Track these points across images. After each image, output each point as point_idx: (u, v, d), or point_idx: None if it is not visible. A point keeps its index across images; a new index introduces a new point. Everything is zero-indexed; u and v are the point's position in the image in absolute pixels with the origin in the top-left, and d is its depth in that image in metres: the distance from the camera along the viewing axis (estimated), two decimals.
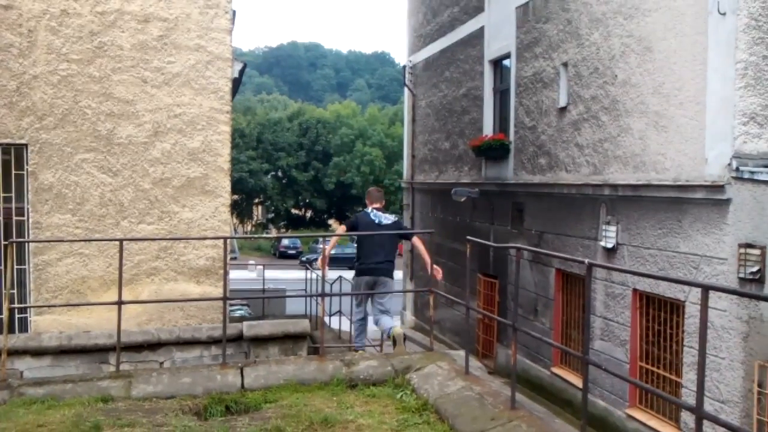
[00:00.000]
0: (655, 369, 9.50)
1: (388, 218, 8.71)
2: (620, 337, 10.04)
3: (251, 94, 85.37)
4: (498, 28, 14.32)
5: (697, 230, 8.62)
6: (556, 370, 11.76)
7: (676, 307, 9.06)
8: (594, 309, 10.57)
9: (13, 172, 8.11)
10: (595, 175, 10.73)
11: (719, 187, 8.20)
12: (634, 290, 9.76)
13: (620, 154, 10.12)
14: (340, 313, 13.57)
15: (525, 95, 13.10)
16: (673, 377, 9.11)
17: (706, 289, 3.26)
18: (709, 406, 8.12)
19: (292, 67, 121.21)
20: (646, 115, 9.57)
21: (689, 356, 8.65)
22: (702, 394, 3.24)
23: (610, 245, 10.23)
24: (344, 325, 13.40)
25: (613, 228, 10.22)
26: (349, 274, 21.45)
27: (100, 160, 8.26)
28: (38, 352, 7.14)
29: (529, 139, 12.95)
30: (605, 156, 10.50)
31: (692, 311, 8.59)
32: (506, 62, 14.30)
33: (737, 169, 8.00)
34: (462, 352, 6.19)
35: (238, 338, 7.79)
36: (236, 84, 10.10)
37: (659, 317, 9.42)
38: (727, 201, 8.12)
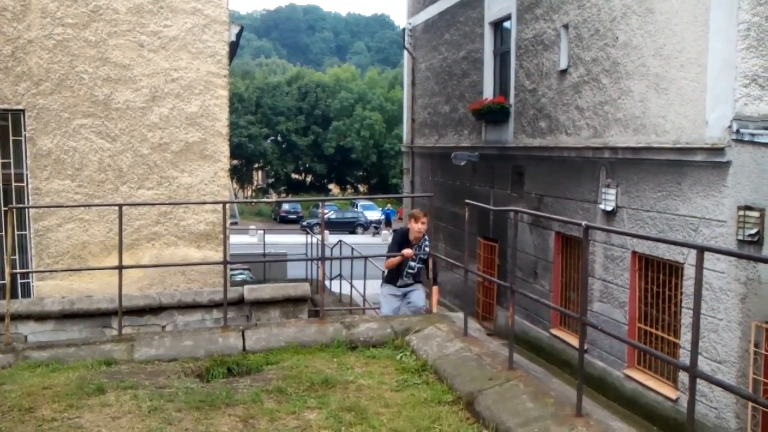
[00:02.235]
0: (653, 330, 9.58)
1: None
2: (619, 299, 10.11)
3: (249, 58, 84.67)
4: None
5: (697, 193, 8.62)
6: (555, 331, 11.87)
7: (675, 269, 9.11)
8: (593, 271, 10.63)
9: (11, 137, 8.10)
10: (596, 138, 10.69)
11: (719, 150, 8.18)
12: (633, 253, 9.81)
13: (620, 116, 10.08)
14: (340, 276, 13.66)
15: (525, 58, 12.98)
16: (671, 338, 9.20)
17: (701, 250, 3.28)
18: (706, 366, 8.22)
19: (291, 30, 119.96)
20: (646, 77, 9.50)
21: (687, 317, 8.72)
22: (696, 354, 3.28)
23: (609, 208, 10.24)
24: (344, 288, 13.51)
25: (612, 191, 10.22)
26: (349, 239, 21.43)
27: (98, 126, 8.23)
28: (41, 317, 7.20)
29: (529, 102, 12.87)
30: (605, 119, 10.45)
31: (691, 273, 8.64)
32: (507, 24, 14.14)
33: (738, 132, 7.97)
34: (461, 314, 6.24)
35: (240, 302, 7.85)
36: (233, 47, 10.01)
37: (658, 279, 9.47)
38: (727, 163, 8.11)
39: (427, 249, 7.81)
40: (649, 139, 9.44)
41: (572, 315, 5.14)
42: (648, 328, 9.69)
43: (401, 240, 7.85)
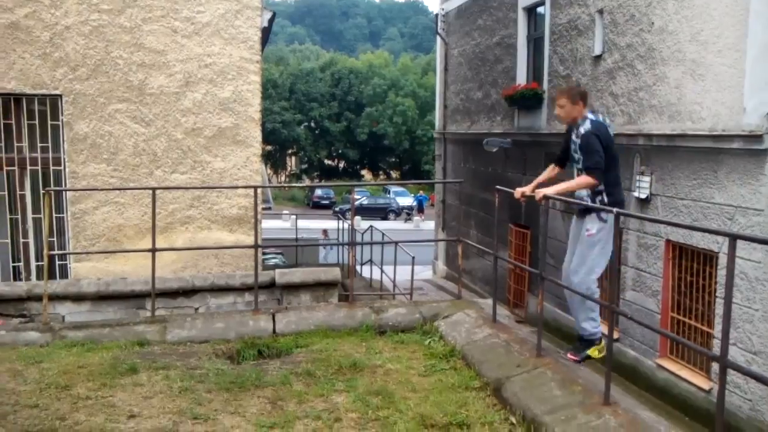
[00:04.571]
0: (686, 320, 9.46)
1: None
2: (652, 288, 9.99)
3: (283, 44, 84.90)
4: None
5: (733, 181, 8.46)
6: None
7: (709, 258, 8.97)
8: (626, 259, 10.51)
9: (49, 122, 8.26)
10: (630, 124, 10.54)
11: (757, 137, 8.01)
12: (667, 241, 9.67)
13: (656, 103, 9.91)
14: (371, 262, 13.71)
15: (559, 43, 12.82)
16: (705, 328, 9.08)
17: (734, 238, 3.22)
18: (740, 357, 8.10)
19: (324, 17, 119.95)
20: (682, 63, 9.33)
21: (721, 307, 8.59)
22: (727, 343, 3.24)
23: (643, 196, 10.11)
24: (375, 274, 13.56)
25: (647, 178, 10.08)
26: (381, 225, 21.47)
27: (133, 111, 8.35)
28: (78, 298, 7.36)
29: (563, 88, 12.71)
30: (640, 105, 10.29)
31: (725, 262, 8.49)
32: (540, 9, 13.97)
33: None
34: (490, 301, 6.23)
35: (271, 285, 7.93)
36: (266, 33, 10.05)
37: (692, 268, 9.34)
38: (765, 151, 7.95)
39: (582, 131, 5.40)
40: (685, 126, 9.28)
41: (603, 303, 5.10)
42: (681, 317, 9.57)
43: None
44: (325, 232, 23.74)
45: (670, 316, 9.74)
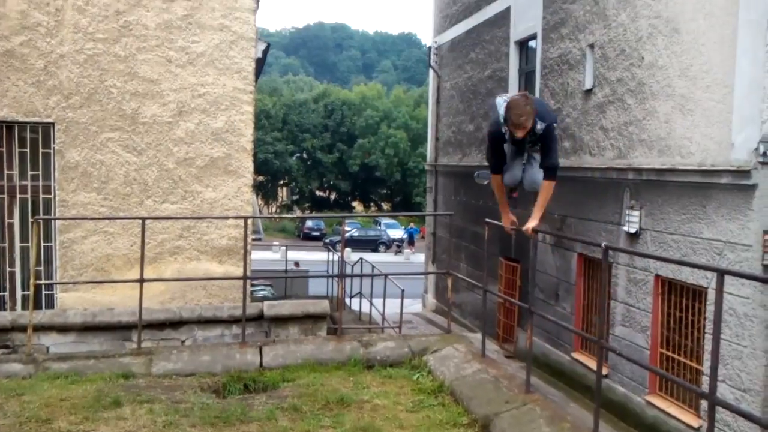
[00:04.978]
0: (676, 356, 9.43)
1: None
2: (641, 323, 9.97)
3: (277, 75, 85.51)
4: (524, 9, 14.15)
5: (722, 216, 8.50)
6: (576, 355, 11.72)
7: (698, 294, 8.97)
8: (615, 294, 10.50)
9: (41, 150, 8.25)
10: (620, 158, 10.61)
11: (745, 172, 8.07)
12: (657, 276, 9.68)
13: (645, 137, 10.00)
14: (360, 294, 13.64)
15: (550, 77, 12.96)
16: (694, 365, 9.04)
17: (721, 273, 3.23)
18: (729, 395, 8.06)
19: (319, 48, 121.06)
20: (672, 98, 9.43)
21: (710, 344, 8.56)
22: (715, 381, 3.22)
23: (633, 230, 10.14)
24: (364, 306, 13.49)
25: (636, 213, 10.11)
26: (371, 257, 21.41)
27: (125, 139, 8.35)
28: (63, 328, 7.28)
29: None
30: (630, 140, 10.38)
31: (714, 298, 8.50)
32: (532, 43, 14.14)
33: (764, 154, 7.86)
34: (479, 335, 6.20)
35: (259, 318, 7.87)
36: (260, 64, 10.12)
37: (681, 304, 9.33)
38: (753, 186, 8.00)
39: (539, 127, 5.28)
40: (674, 161, 9.35)
41: (592, 339, 5.07)
42: (670, 353, 9.53)
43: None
44: (296, 264, 23.83)
45: (659, 352, 9.70)
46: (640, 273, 10.02)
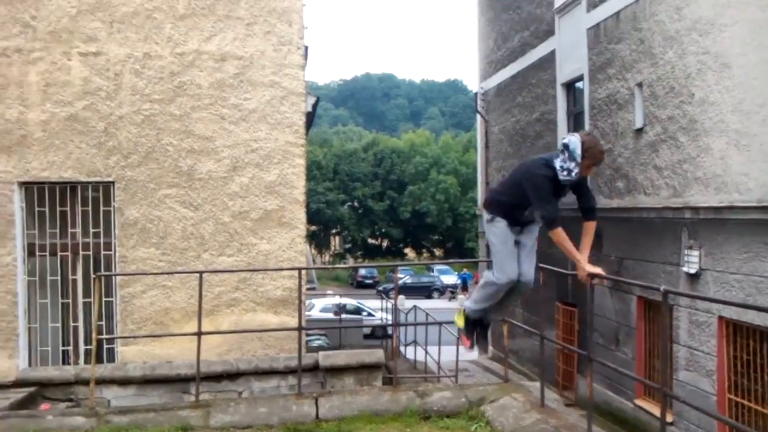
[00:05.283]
0: (745, 402, 9.03)
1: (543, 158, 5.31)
2: (706, 368, 9.61)
3: (327, 126, 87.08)
4: (569, 51, 14.17)
5: None
6: (639, 402, 11.33)
7: (766, 336, 8.63)
8: (678, 338, 10.17)
9: (102, 208, 8.54)
10: (675, 197, 10.40)
11: None
12: (720, 318, 9.35)
13: (701, 175, 9.79)
14: (415, 342, 13.53)
15: (599, 117, 12.87)
16: (766, 411, 8.64)
17: None
18: None
19: (367, 99, 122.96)
20: (726, 133, 9.25)
21: None
22: None
23: (693, 271, 9.86)
24: (419, 355, 13.36)
25: (695, 252, 9.85)
26: (425, 304, 21.32)
27: (182, 195, 8.59)
28: (124, 382, 7.42)
29: (605, 162, 12.68)
30: (685, 178, 10.18)
31: None
32: (579, 85, 14.11)
33: None
34: (538, 384, 6.07)
35: (314, 368, 7.88)
36: (310, 117, 10.34)
37: (748, 346, 8.98)
38: None
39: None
40: (732, 198, 9.11)
41: (653, 385, 4.92)
42: (739, 399, 9.13)
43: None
44: (339, 310, 23.76)
45: (727, 397, 9.31)
46: (703, 315, 9.71)
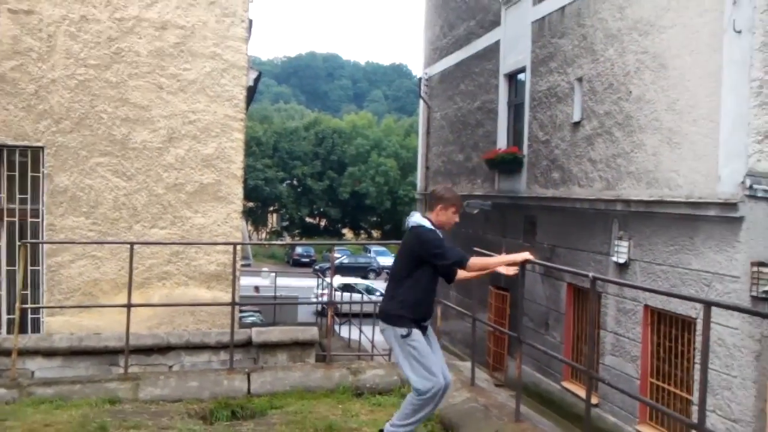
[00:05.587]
0: (665, 385, 9.42)
1: (413, 220, 4.86)
2: (631, 353, 9.97)
3: (269, 103, 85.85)
4: (514, 43, 14.34)
5: (710, 247, 8.56)
6: (566, 384, 11.69)
7: (687, 324, 9.00)
8: (605, 324, 10.51)
9: (30, 174, 8.22)
10: (608, 190, 10.70)
11: (732, 205, 8.15)
12: (646, 306, 9.71)
13: (633, 169, 10.09)
14: (349, 322, 13.57)
15: (539, 109, 13.10)
16: (684, 394, 9.03)
17: (708, 305, 3.25)
18: (720, 425, 8.05)
19: (310, 77, 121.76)
20: (659, 131, 9.55)
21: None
22: (704, 411, 3.23)
23: (622, 261, 10.18)
24: (353, 333, 13.41)
25: (625, 243, 10.17)
26: (361, 283, 21.10)
27: (115, 164, 8.35)
28: (49, 353, 7.19)
29: (542, 153, 12.93)
30: (618, 171, 10.47)
31: None
32: (521, 76, 14.31)
33: (751, 187, 7.96)
34: (469, 364, 6.18)
35: (247, 344, 7.82)
36: (251, 92, 10.17)
37: (671, 334, 9.35)
38: (740, 219, 8.08)
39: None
40: (662, 193, 9.43)
41: (580, 368, 5.06)
42: (660, 383, 9.52)
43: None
44: (257, 288, 23.68)
45: (649, 381, 9.69)
46: (630, 303, 10.05)
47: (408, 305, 4.55)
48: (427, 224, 4.68)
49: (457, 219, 4.87)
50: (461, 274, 4.82)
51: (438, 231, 4.70)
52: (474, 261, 4.64)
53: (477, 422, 4.91)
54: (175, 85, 8.51)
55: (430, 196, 4.85)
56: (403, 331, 4.50)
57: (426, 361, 4.50)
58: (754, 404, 7.76)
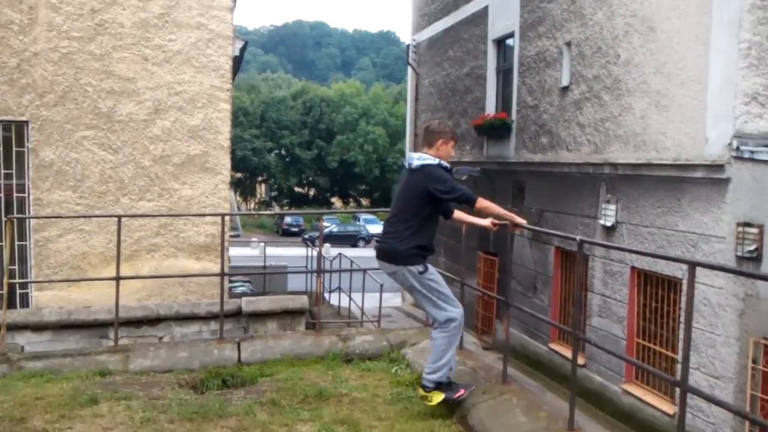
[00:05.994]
0: (651, 345, 9.56)
1: (417, 159, 4.77)
2: (618, 314, 10.09)
3: (256, 72, 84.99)
4: (502, 8, 14.22)
5: (696, 209, 8.62)
6: (554, 346, 11.83)
7: (673, 285, 9.10)
8: (592, 286, 10.61)
9: (14, 148, 8.16)
10: (596, 154, 10.71)
11: (719, 167, 8.19)
12: (632, 268, 9.80)
13: (621, 133, 10.10)
14: (339, 289, 13.66)
15: (528, 74, 13.04)
16: (670, 353, 9.17)
17: (692, 265, 3.29)
18: (704, 382, 8.19)
19: (297, 46, 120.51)
20: (647, 94, 9.54)
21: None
22: (687, 369, 3.29)
23: (609, 223, 10.25)
24: (343, 301, 13.50)
25: (612, 206, 10.23)
26: (350, 252, 21.32)
27: (101, 138, 8.29)
28: (38, 327, 7.22)
29: (531, 118, 12.91)
30: (606, 135, 10.48)
31: None
32: (509, 41, 14.22)
33: (738, 149, 7.98)
34: None
35: (237, 314, 7.87)
36: (237, 62, 10.08)
37: (657, 295, 9.46)
38: (727, 180, 8.12)
39: None
40: (650, 156, 9.46)
41: (567, 329, 5.13)
42: (647, 343, 9.66)
43: None
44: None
45: (635, 341, 9.83)
46: (617, 265, 10.14)
47: (419, 243, 4.62)
48: (435, 161, 4.70)
49: (453, 153, 4.93)
50: (456, 214, 5.06)
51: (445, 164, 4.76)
52: (482, 201, 4.76)
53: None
54: (160, 57, 8.42)
55: (427, 131, 4.89)
56: (420, 267, 4.63)
57: (447, 290, 4.73)
58: (736, 361, 7.89)
